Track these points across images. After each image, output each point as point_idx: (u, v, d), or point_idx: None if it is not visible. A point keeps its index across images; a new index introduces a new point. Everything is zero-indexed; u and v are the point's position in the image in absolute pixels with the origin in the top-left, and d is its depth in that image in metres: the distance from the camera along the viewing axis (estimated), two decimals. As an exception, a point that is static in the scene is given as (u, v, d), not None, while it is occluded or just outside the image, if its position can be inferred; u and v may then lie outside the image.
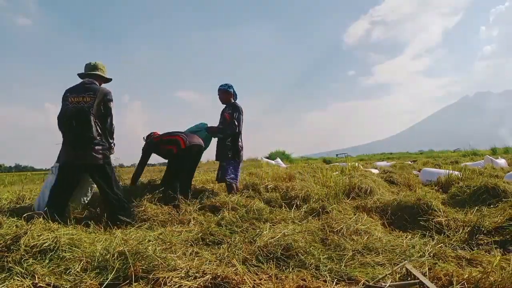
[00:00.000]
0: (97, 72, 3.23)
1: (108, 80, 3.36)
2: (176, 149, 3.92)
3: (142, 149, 4.10)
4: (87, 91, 3.02)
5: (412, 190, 5.04)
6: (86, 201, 3.49)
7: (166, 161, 4.08)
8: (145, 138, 4.29)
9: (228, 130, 4.22)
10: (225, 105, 4.43)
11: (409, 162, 12.39)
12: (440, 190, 4.99)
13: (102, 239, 2.18)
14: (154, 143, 4.09)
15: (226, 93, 4.39)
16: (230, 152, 4.23)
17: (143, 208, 3.25)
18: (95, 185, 3.28)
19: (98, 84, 3.18)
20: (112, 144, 3.19)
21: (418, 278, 1.55)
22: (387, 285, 1.52)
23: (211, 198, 3.72)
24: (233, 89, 4.44)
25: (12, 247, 1.94)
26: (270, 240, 2.13)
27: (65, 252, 1.93)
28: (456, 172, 5.54)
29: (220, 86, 4.42)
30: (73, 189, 3.13)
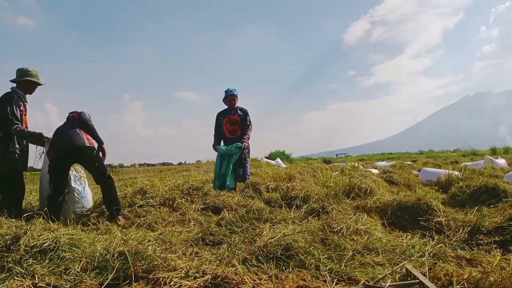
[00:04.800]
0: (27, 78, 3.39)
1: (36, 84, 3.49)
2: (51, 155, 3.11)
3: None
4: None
5: (412, 190, 5.04)
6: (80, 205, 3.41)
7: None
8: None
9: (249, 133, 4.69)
10: (229, 108, 4.79)
11: (409, 162, 12.40)
12: (440, 190, 4.99)
13: (102, 239, 2.18)
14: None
15: (236, 97, 4.78)
16: (246, 150, 4.63)
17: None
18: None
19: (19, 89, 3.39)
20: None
21: (418, 278, 1.55)
22: (387, 285, 1.52)
23: (211, 198, 3.71)
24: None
25: (12, 247, 1.94)
26: (270, 240, 2.12)
27: (65, 252, 1.93)
28: (456, 172, 5.54)
29: (232, 91, 4.73)
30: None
